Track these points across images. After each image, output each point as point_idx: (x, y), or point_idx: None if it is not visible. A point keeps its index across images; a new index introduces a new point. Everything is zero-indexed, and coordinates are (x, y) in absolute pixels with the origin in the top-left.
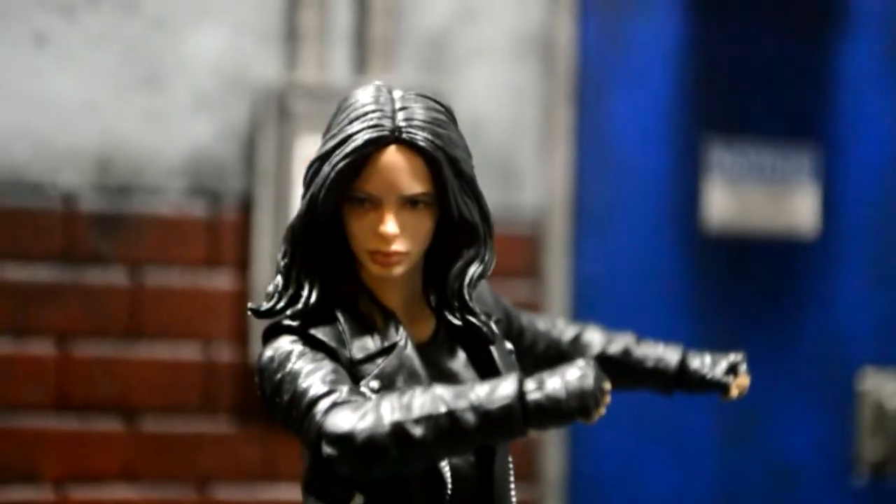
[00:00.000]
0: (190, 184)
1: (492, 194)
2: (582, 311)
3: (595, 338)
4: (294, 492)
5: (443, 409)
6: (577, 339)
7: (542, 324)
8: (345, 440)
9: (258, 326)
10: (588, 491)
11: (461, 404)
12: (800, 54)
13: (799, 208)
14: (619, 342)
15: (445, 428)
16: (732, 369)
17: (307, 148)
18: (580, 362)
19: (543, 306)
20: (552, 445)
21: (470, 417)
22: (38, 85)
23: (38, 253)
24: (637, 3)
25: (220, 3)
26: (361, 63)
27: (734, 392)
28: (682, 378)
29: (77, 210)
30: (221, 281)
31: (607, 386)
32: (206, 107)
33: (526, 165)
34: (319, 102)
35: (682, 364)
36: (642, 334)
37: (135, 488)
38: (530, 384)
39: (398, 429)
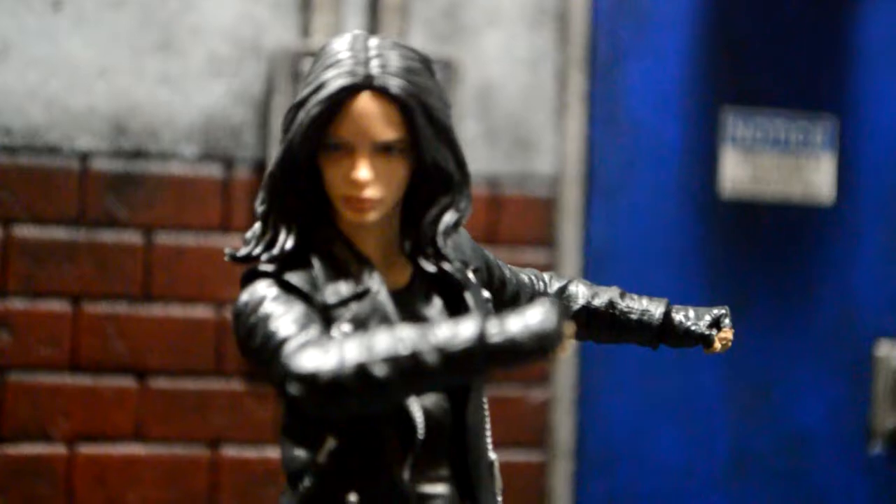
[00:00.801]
0: (204, 147)
1: (506, 161)
2: (595, 279)
3: (579, 291)
4: None
5: (405, 350)
6: (561, 293)
7: (526, 277)
8: (309, 379)
9: None
10: (598, 458)
11: (423, 345)
12: (816, 23)
13: (815, 177)
14: (604, 296)
15: (407, 368)
16: (716, 323)
17: None
18: (542, 303)
19: (557, 273)
20: (563, 412)
21: (431, 357)
22: (55, 48)
23: (53, 213)
24: None
25: None
26: (375, 30)
27: (717, 345)
28: (666, 331)
29: (92, 172)
30: (234, 243)
31: (569, 327)
32: (220, 71)
33: (540, 133)
34: None
35: (666, 317)
36: None
37: (146, 446)
38: (492, 325)
39: (361, 368)
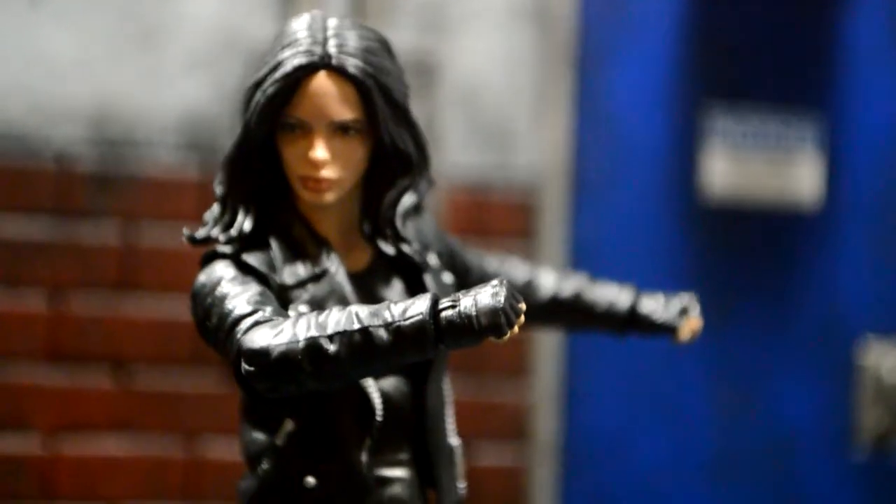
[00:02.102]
0: (183, 142)
1: (488, 158)
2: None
3: (548, 280)
4: None
5: (357, 326)
6: (529, 282)
7: (492, 263)
8: (260, 356)
9: None
10: (581, 455)
11: (375, 321)
12: (803, 23)
13: (801, 178)
14: (572, 284)
15: (359, 344)
16: (684, 312)
17: None
18: (494, 281)
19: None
20: (546, 408)
21: (383, 334)
22: (33, 42)
23: (32, 208)
24: None
25: None
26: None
27: (685, 335)
28: (635, 320)
29: (71, 166)
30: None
31: (521, 306)
32: (199, 66)
33: (523, 130)
34: None
35: (634, 307)
36: None
37: (124, 441)
38: (444, 302)
39: (312, 344)
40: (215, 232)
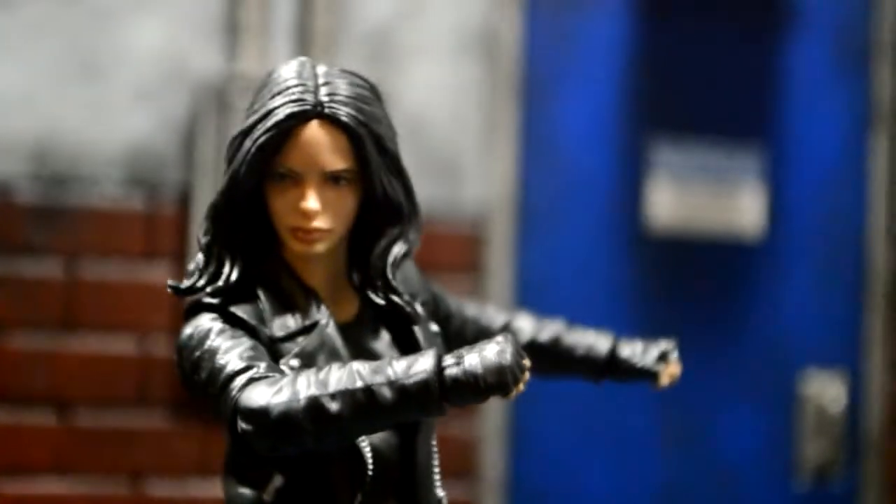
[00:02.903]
0: (128, 176)
1: (435, 190)
2: (524, 309)
3: (525, 325)
4: None
5: (359, 384)
6: (506, 327)
7: (471, 310)
8: (259, 415)
9: None
10: (528, 491)
11: (378, 379)
12: (746, 55)
13: (744, 209)
14: (550, 329)
15: (362, 403)
16: (663, 357)
17: None
18: (499, 338)
19: (486, 303)
20: (492, 445)
21: (387, 392)
22: None
23: None
24: (583, 0)
25: None
26: (302, 56)
27: (665, 380)
28: (613, 366)
29: (13, 201)
30: (159, 274)
31: (526, 363)
32: (145, 98)
33: (469, 162)
34: None
35: (613, 352)
36: None
37: (67, 482)
38: (448, 360)
39: (314, 403)
40: (201, 282)
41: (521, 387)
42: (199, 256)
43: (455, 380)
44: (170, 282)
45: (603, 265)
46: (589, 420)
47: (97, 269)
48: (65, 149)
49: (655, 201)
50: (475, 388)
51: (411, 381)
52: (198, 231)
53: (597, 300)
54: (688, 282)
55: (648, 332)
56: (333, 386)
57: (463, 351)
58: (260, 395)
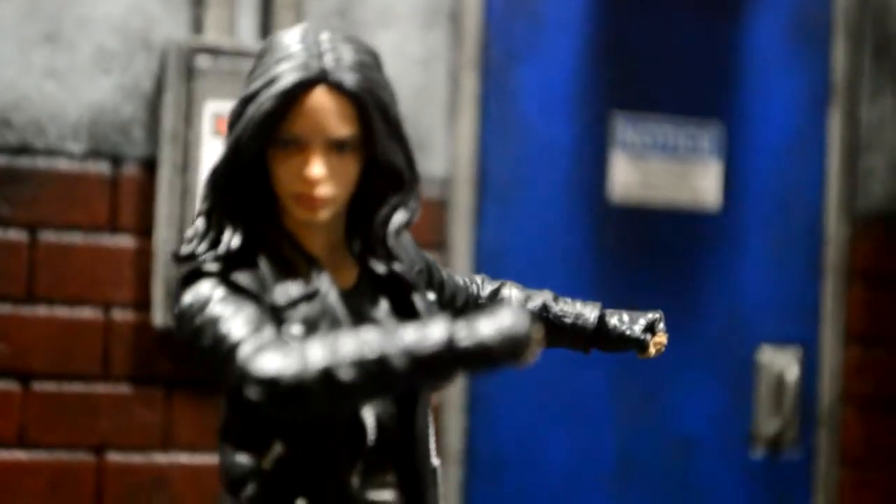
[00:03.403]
0: (92, 143)
1: None
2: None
3: (513, 295)
4: (191, 457)
5: (371, 353)
6: (494, 296)
7: (460, 279)
8: (271, 382)
9: (159, 288)
10: (487, 463)
11: (391, 348)
12: (704, 32)
13: (702, 184)
14: (538, 299)
15: (374, 371)
16: (650, 327)
17: (211, 109)
18: (510, 307)
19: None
20: (450, 414)
21: (399, 361)
22: None
23: None
24: None
25: None
26: (267, 26)
27: (652, 350)
28: (601, 336)
29: None
30: (122, 242)
31: (538, 331)
32: (109, 65)
33: (432, 133)
34: (225, 64)
35: (601, 322)
36: None
37: (29, 452)
38: (460, 328)
39: (326, 371)
40: (201, 249)
41: (533, 356)
42: (199, 222)
43: (468, 348)
44: (171, 250)
45: (563, 237)
46: (547, 390)
47: (60, 238)
48: (28, 115)
49: (615, 175)
50: (488, 356)
51: (424, 348)
52: (198, 198)
53: (556, 271)
54: (646, 255)
55: (606, 305)
56: (345, 353)
57: (474, 319)
58: (270, 362)
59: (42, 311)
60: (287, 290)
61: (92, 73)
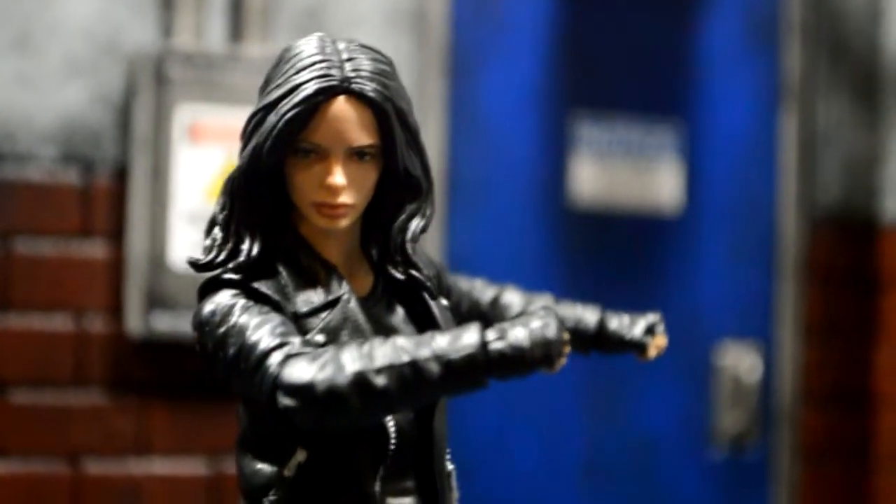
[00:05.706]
0: (62, 151)
1: None
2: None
3: (514, 299)
4: (167, 466)
5: (405, 359)
6: (496, 301)
7: (463, 284)
8: (305, 391)
9: (133, 296)
10: (456, 465)
11: (424, 354)
12: (663, 33)
13: (662, 184)
14: (538, 303)
15: (408, 378)
16: (650, 329)
17: (183, 115)
18: (542, 312)
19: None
20: None
21: (433, 367)
22: None
23: None
24: None
25: None
26: (237, 31)
27: (652, 352)
28: (602, 339)
29: None
30: (94, 250)
31: (567, 336)
32: (79, 72)
33: None
34: (195, 69)
35: (601, 325)
36: None
37: (4, 463)
38: (492, 334)
39: (360, 379)
40: (221, 257)
41: (563, 360)
42: (216, 232)
43: (501, 353)
44: (188, 258)
45: (527, 237)
46: (515, 395)
47: (31, 246)
48: None
49: (578, 176)
50: (520, 362)
51: (457, 355)
52: (214, 207)
53: (521, 272)
54: (608, 255)
55: None
56: (379, 360)
57: (506, 325)
58: (303, 371)
59: (15, 320)
60: (309, 298)
61: (62, 79)
